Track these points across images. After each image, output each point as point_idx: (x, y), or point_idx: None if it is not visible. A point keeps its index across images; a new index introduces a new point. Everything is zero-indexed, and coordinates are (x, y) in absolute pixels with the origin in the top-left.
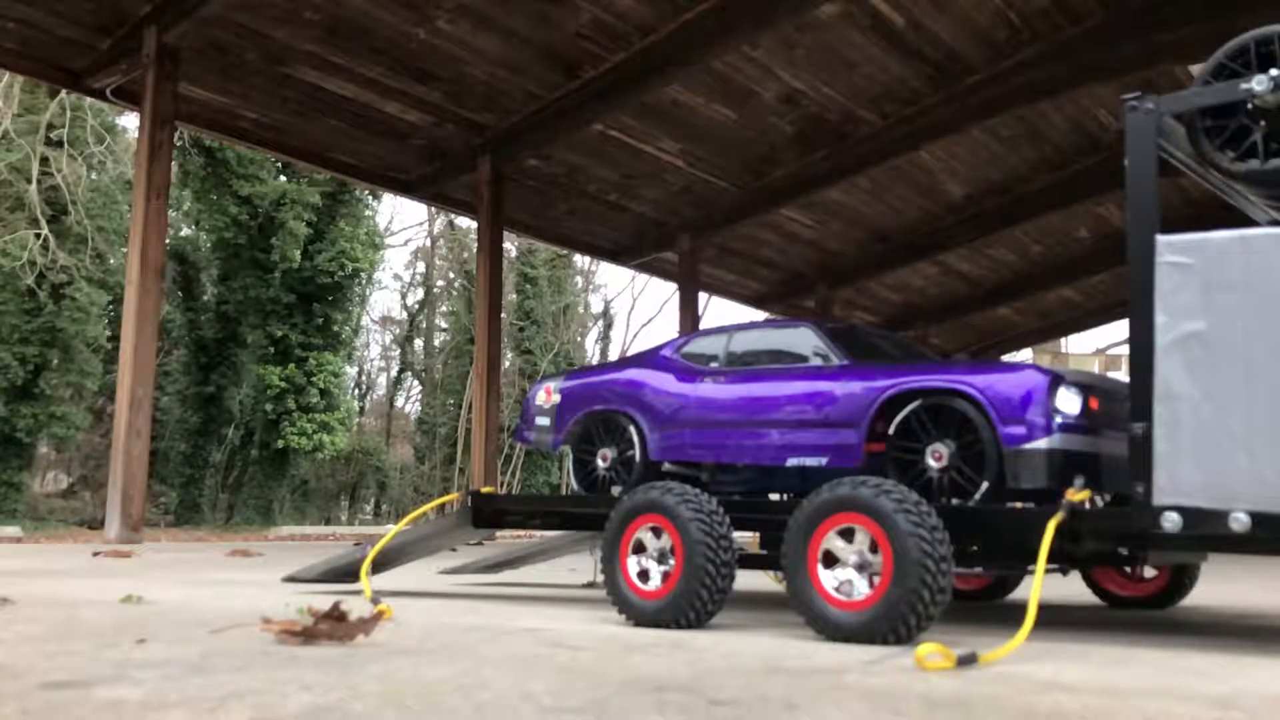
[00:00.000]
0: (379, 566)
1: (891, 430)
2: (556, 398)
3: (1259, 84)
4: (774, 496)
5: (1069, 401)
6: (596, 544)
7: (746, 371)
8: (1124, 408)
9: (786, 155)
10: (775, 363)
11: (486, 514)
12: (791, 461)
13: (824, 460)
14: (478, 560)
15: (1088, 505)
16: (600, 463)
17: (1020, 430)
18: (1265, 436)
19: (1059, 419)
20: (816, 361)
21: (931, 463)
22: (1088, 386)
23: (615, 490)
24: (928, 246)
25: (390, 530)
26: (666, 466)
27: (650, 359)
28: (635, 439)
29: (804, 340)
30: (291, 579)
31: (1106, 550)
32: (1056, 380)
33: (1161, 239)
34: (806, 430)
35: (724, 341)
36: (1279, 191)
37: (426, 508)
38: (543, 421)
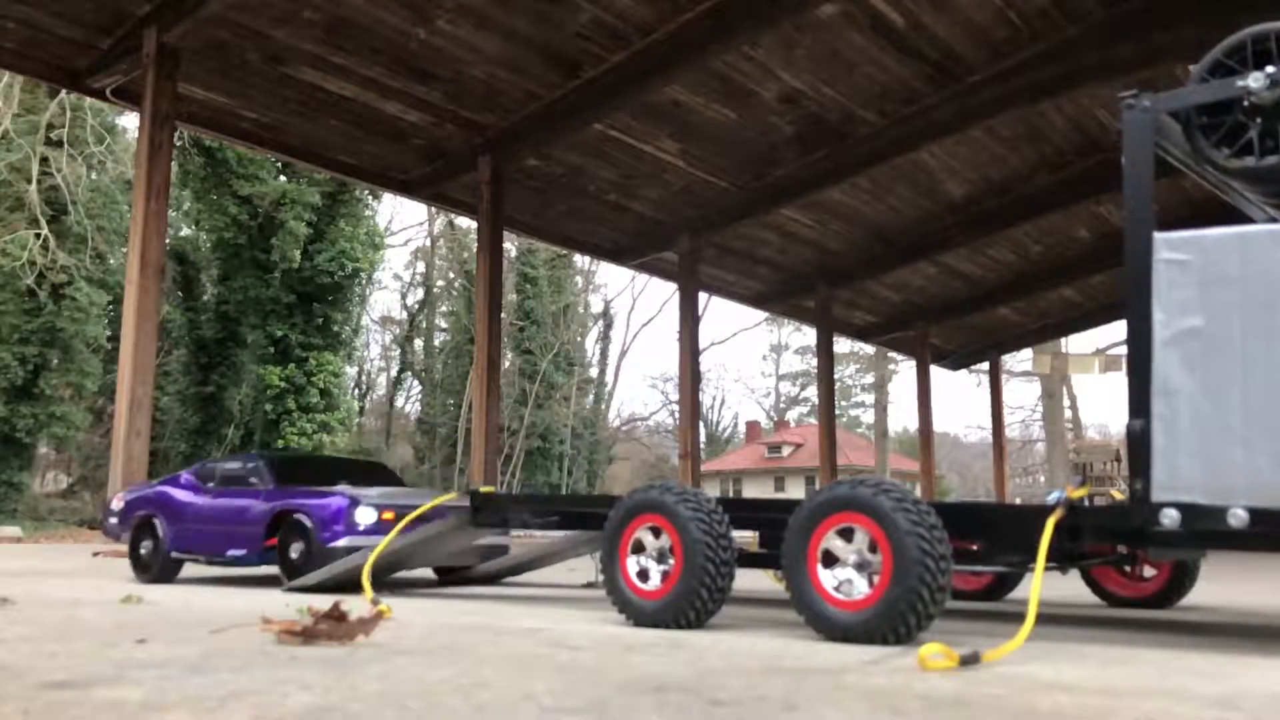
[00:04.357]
0: (380, 573)
1: (276, 533)
2: (122, 504)
3: (1255, 81)
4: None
5: (365, 516)
6: (596, 546)
7: (223, 490)
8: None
9: (786, 155)
10: (238, 484)
11: (486, 514)
12: (230, 552)
13: (244, 551)
14: (481, 568)
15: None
16: (142, 551)
17: (328, 535)
18: (1262, 431)
19: (360, 527)
20: (256, 484)
21: (293, 555)
22: (383, 506)
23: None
24: (928, 246)
25: (389, 535)
26: (174, 555)
27: (175, 480)
28: (161, 533)
29: (256, 470)
30: (293, 589)
31: (1100, 550)
32: (355, 502)
33: (1159, 236)
34: (237, 530)
35: (217, 467)
36: (1275, 188)
37: (425, 507)
38: (114, 519)
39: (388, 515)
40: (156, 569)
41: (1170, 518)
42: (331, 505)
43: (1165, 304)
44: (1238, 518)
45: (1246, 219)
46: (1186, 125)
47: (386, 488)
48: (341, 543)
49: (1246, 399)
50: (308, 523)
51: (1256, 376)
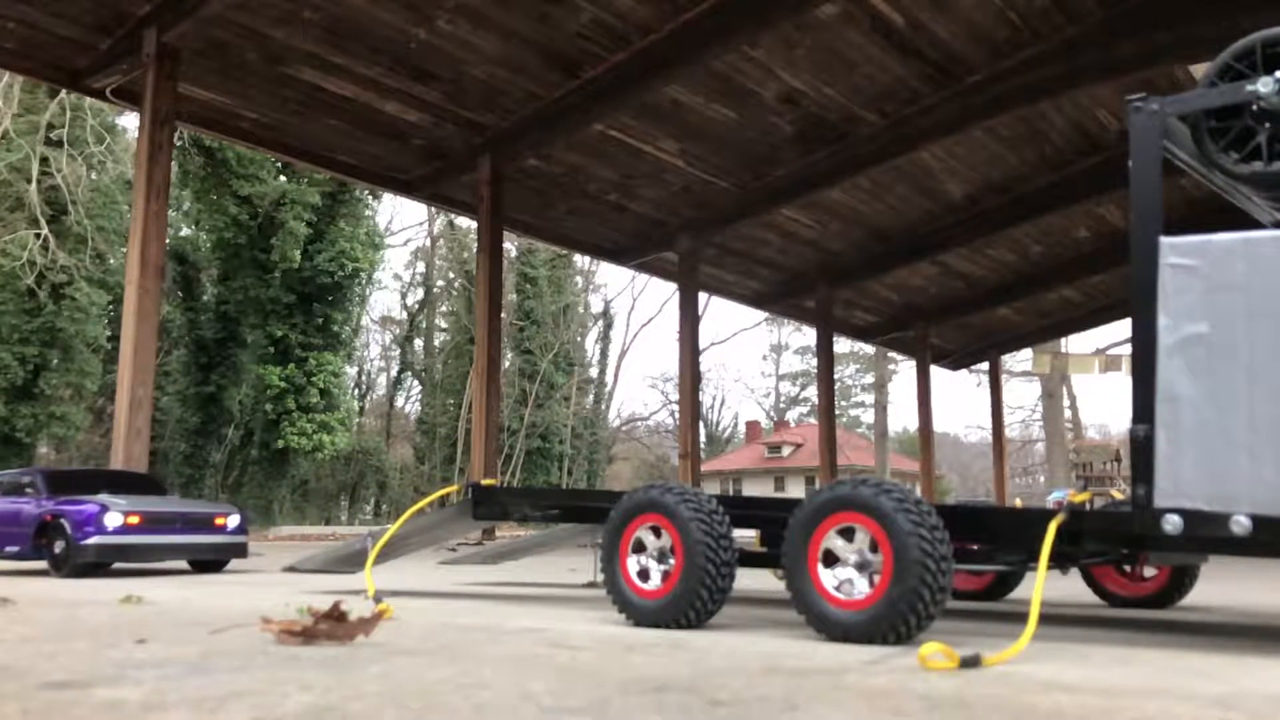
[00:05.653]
0: (380, 558)
1: (41, 530)
2: None
3: (1264, 86)
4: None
5: (113, 519)
6: (594, 537)
7: (5, 497)
8: (171, 516)
9: (786, 155)
10: (18, 493)
11: (487, 506)
12: (7, 548)
13: (18, 548)
14: (478, 552)
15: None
16: None
17: (80, 535)
18: (1267, 439)
19: (109, 528)
20: (32, 493)
21: (57, 551)
22: (129, 511)
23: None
24: (928, 246)
25: (391, 527)
26: None
27: None
28: None
29: (33, 482)
30: (291, 569)
31: (1102, 550)
32: (105, 508)
33: (1165, 241)
34: (14, 530)
35: (4, 478)
36: None
37: (425, 501)
38: None
39: (133, 519)
40: None
41: (1173, 524)
42: (85, 511)
43: (1170, 309)
44: (1240, 525)
45: (1253, 223)
46: (1194, 129)
47: (141, 496)
48: (92, 541)
49: (1251, 406)
50: (66, 525)
51: (1261, 384)
